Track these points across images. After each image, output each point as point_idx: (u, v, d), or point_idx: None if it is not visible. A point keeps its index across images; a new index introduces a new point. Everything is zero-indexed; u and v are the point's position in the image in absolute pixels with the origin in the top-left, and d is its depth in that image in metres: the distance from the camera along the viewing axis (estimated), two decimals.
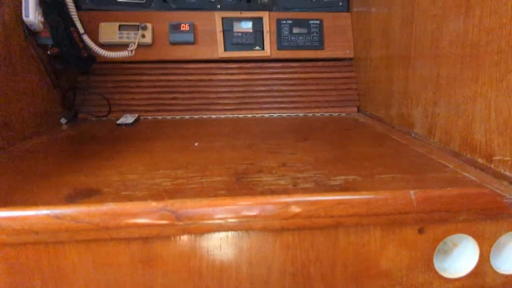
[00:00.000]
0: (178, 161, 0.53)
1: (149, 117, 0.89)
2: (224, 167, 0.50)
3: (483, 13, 0.47)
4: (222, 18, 0.95)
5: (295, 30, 0.97)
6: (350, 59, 0.99)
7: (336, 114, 0.94)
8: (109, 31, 0.90)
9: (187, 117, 0.90)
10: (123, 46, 0.88)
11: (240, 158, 0.54)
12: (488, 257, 0.39)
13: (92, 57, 0.83)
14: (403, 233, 0.37)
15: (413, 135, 0.66)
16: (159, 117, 0.89)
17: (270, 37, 0.96)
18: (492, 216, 0.37)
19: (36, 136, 0.70)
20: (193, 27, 0.93)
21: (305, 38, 0.97)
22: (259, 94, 0.95)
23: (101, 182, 0.45)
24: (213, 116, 0.91)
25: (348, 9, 0.99)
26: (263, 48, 0.96)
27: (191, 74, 0.94)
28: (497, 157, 0.46)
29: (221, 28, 0.94)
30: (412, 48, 0.67)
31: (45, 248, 0.34)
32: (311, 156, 0.55)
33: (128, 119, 0.83)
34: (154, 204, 0.33)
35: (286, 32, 0.96)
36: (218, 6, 0.97)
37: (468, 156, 0.51)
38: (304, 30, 0.97)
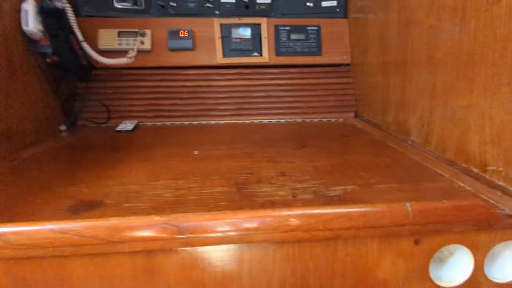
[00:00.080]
0: (179, 171, 0.54)
1: (148, 123, 0.90)
2: (224, 177, 0.51)
3: (478, 25, 0.48)
4: (221, 25, 0.95)
5: (293, 36, 0.97)
6: (348, 64, 1.00)
7: (334, 119, 0.95)
8: (108, 37, 0.90)
9: (186, 123, 0.91)
10: (122, 53, 0.89)
11: (240, 167, 0.55)
12: (483, 266, 0.40)
13: (92, 65, 0.84)
14: (400, 244, 0.38)
15: (409, 142, 0.68)
16: (158, 123, 0.90)
17: (268, 43, 0.96)
18: (486, 227, 0.38)
19: (37, 144, 0.70)
20: (191, 34, 0.93)
21: (303, 44, 0.98)
22: (257, 99, 0.96)
23: (103, 194, 0.45)
24: (212, 122, 0.91)
25: (345, 16, 1.00)
26: (261, 54, 0.96)
27: (190, 80, 0.95)
28: (491, 167, 0.47)
29: (220, 34, 0.95)
30: (409, 56, 0.68)
31: (50, 262, 0.34)
32: (310, 165, 0.56)
33: (128, 126, 0.83)
34: (157, 218, 0.34)
35: (284, 38, 0.97)
36: (217, 12, 0.97)
37: (463, 165, 0.52)
38: (302, 36, 0.98)
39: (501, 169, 0.45)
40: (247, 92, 0.96)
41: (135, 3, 0.94)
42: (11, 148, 0.63)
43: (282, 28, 0.97)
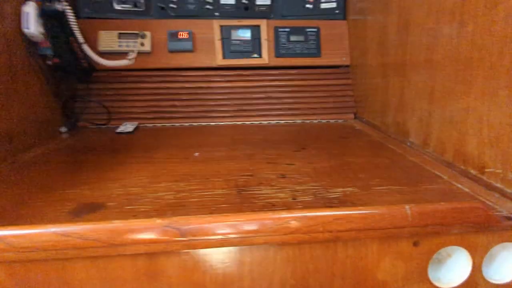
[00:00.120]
0: (179, 173, 0.54)
1: (149, 125, 0.90)
2: (225, 179, 0.52)
3: (475, 29, 0.49)
4: (221, 26, 0.96)
5: (293, 38, 0.98)
6: (347, 66, 1.01)
7: (333, 120, 0.95)
8: (108, 39, 0.90)
9: (186, 124, 0.91)
10: (123, 54, 0.89)
11: (240, 169, 0.56)
12: (481, 267, 0.41)
13: (92, 67, 0.84)
14: (399, 246, 0.38)
15: (408, 144, 0.68)
16: (158, 125, 0.90)
17: (268, 45, 0.97)
18: (484, 228, 0.39)
19: (37, 145, 0.70)
20: (191, 35, 0.94)
21: (303, 46, 0.98)
22: (257, 101, 0.96)
23: (105, 196, 0.46)
24: (212, 124, 0.92)
25: (344, 17, 1.01)
26: (261, 56, 0.97)
27: (190, 82, 0.95)
28: (489, 169, 0.47)
29: (220, 36, 0.96)
30: (408, 58, 0.69)
31: (53, 265, 0.35)
32: (309, 167, 0.56)
33: (128, 127, 0.84)
34: (159, 221, 0.34)
35: (284, 40, 0.98)
36: (216, 13, 0.98)
37: (462, 167, 0.53)
38: (301, 38, 0.98)
39: (499, 171, 0.46)
40: (247, 93, 0.96)
41: (135, 5, 0.94)
42: (12, 150, 0.63)
43: (282, 29, 0.98)
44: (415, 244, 0.39)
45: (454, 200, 0.44)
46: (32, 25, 0.66)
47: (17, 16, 0.67)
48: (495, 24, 0.45)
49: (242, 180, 0.51)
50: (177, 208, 0.42)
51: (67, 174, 0.55)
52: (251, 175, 0.53)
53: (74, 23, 0.76)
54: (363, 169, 0.56)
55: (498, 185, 0.46)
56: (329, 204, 0.43)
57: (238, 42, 0.96)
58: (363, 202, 0.43)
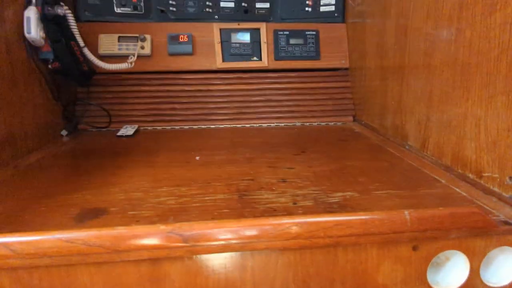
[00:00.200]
0: (181, 177, 0.55)
1: (149, 128, 0.90)
2: (226, 183, 0.52)
3: (473, 35, 0.50)
4: (220, 29, 0.96)
5: (292, 41, 0.99)
6: (346, 69, 1.01)
7: (332, 123, 0.96)
8: (108, 42, 0.91)
9: (186, 127, 0.92)
10: (123, 58, 0.90)
11: (241, 173, 0.56)
12: (478, 271, 0.41)
13: (92, 70, 0.84)
14: (398, 250, 0.39)
15: (407, 147, 0.69)
16: (159, 128, 0.91)
17: (267, 48, 0.97)
18: (482, 233, 0.39)
19: (39, 149, 0.71)
20: (191, 38, 0.94)
21: (302, 49, 0.99)
22: (257, 104, 0.96)
23: (107, 201, 0.46)
24: (212, 126, 0.92)
25: (343, 20, 1.01)
26: (260, 59, 0.97)
27: (190, 85, 0.96)
28: (487, 174, 0.48)
29: (219, 39, 0.96)
30: (406, 62, 0.69)
31: (57, 271, 0.35)
32: (310, 171, 0.57)
33: (128, 130, 0.84)
34: (162, 227, 0.35)
35: (283, 43, 0.98)
36: (216, 16, 0.98)
37: (460, 171, 0.53)
38: (300, 41, 0.99)
39: (496, 175, 0.46)
40: (246, 96, 0.97)
41: (135, 8, 0.94)
42: (14, 154, 0.64)
43: (281, 32, 0.98)
44: (414, 248, 0.39)
45: (452, 204, 0.45)
46: (33, 30, 0.67)
47: (18, 21, 0.67)
48: (492, 30, 0.46)
49: (243, 184, 0.52)
50: (179, 213, 0.43)
51: (69, 179, 0.55)
52: (251, 180, 0.53)
53: (75, 27, 0.77)
54: (362, 173, 0.56)
55: (496, 189, 0.46)
56: (330, 209, 0.43)
57: (237, 45, 0.97)
58: (362, 207, 0.44)
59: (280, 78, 0.99)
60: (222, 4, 0.98)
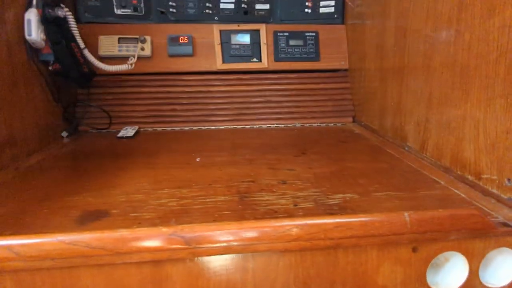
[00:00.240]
0: (182, 179, 0.55)
1: (149, 129, 0.91)
2: (227, 185, 0.52)
3: (472, 38, 0.50)
4: (220, 31, 0.97)
5: (292, 42, 0.99)
6: (345, 70, 1.02)
7: (332, 124, 0.96)
8: (108, 44, 0.91)
9: (186, 128, 0.92)
10: (123, 59, 0.90)
11: (241, 175, 0.56)
12: (477, 272, 0.42)
13: (93, 72, 0.84)
14: (398, 252, 0.39)
15: (406, 148, 0.69)
16: (159, 129, 0.91)
17: (267, 49, 0.98)
18: (480, 234, 0.40)
19: (39, 151, 0.71)
20: (191, 40, 0.94)
21: (301, 50, 0.99)
22: (257, 105, 0.97)
23: (109, 204, 0.46)
24: (212, 128, 0.93)
25: (343, 22, 1.02)
26: (260, 60, 0.98)
27: (190, 86, 0.96)
28: (485, 175, 0.48)
29: (219, 41, 0.96)
30: (405, 64, 0.70)
31: (59, 273, 0.35)
32: (310, 173, 0.57)
33: (129, 131, 0.84)
34: (164, 229, 0.35)
35: (283, 44, 0.99)
36: (216, 18, 0.99)
37: (459, 172, 0.54)
38: (300, 42, 0.99)
39: (494, 177, 0.47)
40: (246, 97, 0.97)
41: (135, 9, 0.94)
42: (14, 156, 0.64)
43: (281, 34, 0.99)
44: (414, 250, 0.39)
45: (451, 206, 0.45)
46: (34, 32, 0.67)
47: (19, 23, 0.67)
48: (491, 33, 0.46)
49: (244, 186, 0.52)
50: (181, 215, 0.43)
51: (70, 181, 0.55)
52: (252, 181, 0.54)
53: (75, 29, 0.77)
54: (362, 175, 0.56)
55: (494, 191, 0.47)
56: (330, 210, 0.44)
57: (237, 46, 0.97)
58: (362, 208, 0.44)
59: (280, 79, 0.99)
60: (222, 5, 0.98)
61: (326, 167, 0.60)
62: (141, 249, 0.35)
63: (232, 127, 0.93)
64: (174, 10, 0.96)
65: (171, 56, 0.94)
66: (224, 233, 0.36)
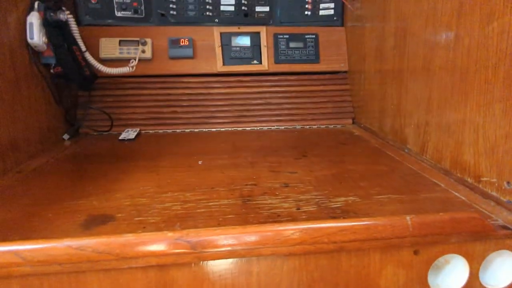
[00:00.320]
0: (185, 182, 0.55)
1: (150, 131, 0.91)
2: (229, 188, 0.53)
3: (471, 43, 0.51)
4: (221, 33, 0.97)
5: (292, 44, 0.99)
6: (345, 72, 1.02)
7: (332, 126, 0.97)
8: (109, 46, 0.91)
9: (187, 130, 0.92)
10: (124, 61, 0.90)
11: (244, 178, 0.57)
12: (478, 274, 0.42)
13: (94, 74, 0.85)
14: (400, 255, 0.40)
15: (406, 150, 0.70)
16: (160, 131, 0.91)
17: (267, 51, 0.98)
18: (481, 237, 0.41)
19: (41, 154, 0.71)
20: (192, 42, 0.95)
21: (301, 52, 1.00)
22: (257, 107, 0.97)
23: (113, 208, 0.47)
24: (213, 130, 0.93)
25: (342, 24, 1.02)
26: (260, 62, 0.98)
27: (191, 88, 0.96)
28: (485, 178, 0.49)
29: (220, 43, 0.97)
30: (405, 67, 0.70)
31: (67, 277, 0.36)
32: (311, 175, 0.58)
33: (130, 134, 0.84)
34: (170, 234, 0.36)
35: (283, 46, 0.99)
36: (216, 20, 0.99)
37: (458, 175, 0.54)
38: (300, 44, 1.00)
39: (494, 180, 0.48)
40: (247, 99, 0.97)
41: (135, 12, 0.95)
42: (17, 159, 0.64)
43: (281, 36, 0.99)
44: (415, 252, 0.40)
45: (452, 209, 0.46)
46: (36, 35, 0.67)
47: (21, 26, 0.67)
48: (490, 39, 0.47)
49: (247, 189, 0.52)
50: (185, 219, 0.43)
51: (74, 184, 0.56)
52: (255, 184, 0.54)
53: (77, 32, 0.77)
54: (363, 177, 0.57)
55: (494, 193, 0.47)
56: (333, 214, 0.44)
57: (238, 48, 0.98)
58: (364, 212, 0.45)
59: (280, 81, 1.00)
60: (222, 7, 0.99)
61: (327, 169, 0.61)
62: (147, 254, 0.36)
63: (232, 129, 0.94)
64: (175, 13, 0.97)
65: (172, 58, 0.95)
66: (229, 238, 0.36)
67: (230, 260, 0.38)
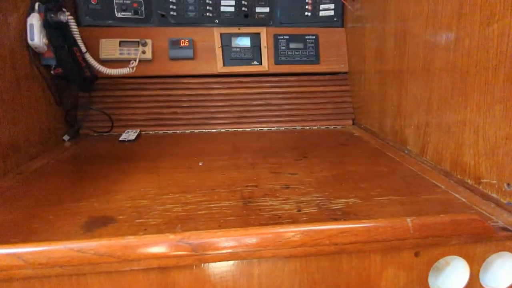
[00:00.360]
0: (186, 184, 0.55)
1: (150, 132, 0.91)
2: (230, 190, 0.53)
3: (471, 45, 0.51)
4: (221, 34, 0.97)
5: (292, 45, 0.99)
6: (345, 73, 1.02)
7: (332, 127, 0.97)
8: (109, 47, 0.91)
9: (187, 131, 0.92)
10: (124, 62, 0.90)
11: (244, 179, 0.57)
12: (478, 275, 0.43)
13: (94, 75, 0.85)
14: (401, 256, 0.40)
15: (406, 151, 0.70)
16: (160, 132, 0.91)
17: (267, 52, 0.98)
18: (481, 239, 0.41)
19: (42, 155, 0.71)
20: (192, 43, 0.95)
21: (302, 53, 1.00)
22: (257, 108, 0.97)
23: (114, 209, 0.47)
24: (213, 131, 0.93)
25: (342, 25, 1.02)
26: (261, 63, 0.98)
27: (191, 89, 0.96)
28: (485, 180, 0.49)
29: (220, 44, 0.97)
30: (405, 68, 0.71)
31: (68, 280, 0.36)
32: (312, 177, 0.58)
33: (130, 135, 0.84)
34: (172, 236, 0.36)
35: (283, 47, 0.99)
36: (216, 21, 0.99)
37: (459, 176, 0.55)
38: (300, 45, 1.00)
39: (494, 182, 0.48)
40: (247, 100, 0.97)
41: (135, 13, 0.95)
42: (18, 161, 0.64)
43: (281, 37, 0.99)
44: (416, 254, 0.40)
45: (452, 210, 0.46)
46: (37, 37, 0.67)
47: (21, 27, 0.67)
48: (490, 41, 0.47)
49: (247, 191, 0.52)
50: (186, 221, 0.43)
51: (75, 185, 0.56)
52: (255, 186, 0.54)
53: (77, 33, 0.77)
54: (363, 179, 0.57)
55: (494, 195, 0.48)
56: (333, 215, 0.44)
57: (238, 49, 0.98)
58: (365, 213, 0.45)
59: (280, 82, 1.00)
60: (223, 8, 0.99)
61: (327, 171, 0.61)
62: (148, 256, 0.36)
63: (232, 130, 0.94)
64: (175, 13, 0.97)
65: (172, 59, 0.95)
66: (230, 240, 0.36)
67: (231, 262, 0.38)
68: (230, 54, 0.97)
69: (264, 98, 0.98)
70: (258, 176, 0.58)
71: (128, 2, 0.94)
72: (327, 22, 1.02)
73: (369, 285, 0.40)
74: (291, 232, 0.37)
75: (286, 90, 0.99)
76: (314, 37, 1.00)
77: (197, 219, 0.44)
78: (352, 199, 0.49)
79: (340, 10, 1.01)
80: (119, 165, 0.66)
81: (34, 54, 0.71)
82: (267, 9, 1.00)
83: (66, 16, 0.72)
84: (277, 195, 0.51)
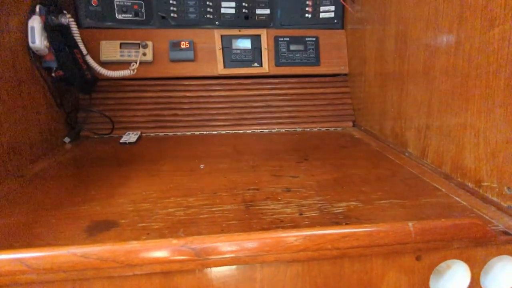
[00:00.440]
0: (187, 187, 0.56)
1: (151, 134, 0.91)
2: (232, 193, 0.53)
3: (472, 49, 0.51)
4: (221, 36, 0.97)
5: (292, 47, 1.00)
6: (345, 74, 1.03)
7: (332, 128, 0.97)
8: (110, 49, 0.91)
9: (188, 133, 0.92)
10: (124, 64, 0.90)
11: (246, 182, 0.57)
12: (479, 279, 0.43)
13: (95, 78, 0.85)
14: (402, 260, 0.40)
15: (407, 154, 0.70)
16: (161, 134, 0.91)
17: (268, 54, 0.98)
18: (482, 243, 0.41)
19: (43, 157, 0.71)
20: (193, 45, 0.95)
21: (302, 55, 1.00)
22: (258, 109, 0.97)
23: (117, 213, 0.47)
24: (214, 132, 0.93)
25: (343, 27, 1.03)
26: (261, 65, 0.98)
27: (192, 91, 0.96)
28: (486, 183, 0.50)
29: (221, 46, 0.97)
30: (405, 71, 0.71)
31: (72, 285, 0.36)
32: (313, 180, 0.58)
33: (131, 137, 0.84)
34: (175, 241, 0.36)
35: (284, 49, 0.99)
36: (217, 23, 0.99)
37: (459, 179, 0.55)
38: (300, 47, 1.00)
39: (494, 185, 0.48)
40: (247, 102, 0.98)
41: (136, 15, 0.95)
42: (19, 163, 0.64)
43: (282, 39, 0.99)
44: (418, 258, 0.40)
45: (453, 214, 0.46)
46: (38, 39, 0.67)
47: (22, 30, 0.67)
48: (491, 45, 0.47)
49: (249, 194, 0.53)
50: (189, 225, 0.44)
51: (76, 189, 0.56)
52: (257, 189, 0.54)
53: (78, 35, 0.77)
54: (364, 182, 0.57)
55: (494, 199, 0.48)
56: (335, 220, 0.45)
57: (238, 51, 0.98)
58: (367, 217, 0.45)
59: (280, 84, 1.00)
60: (223, 10, 0.99)
61: (328, 173, 0.61)
62: (151, 261, 0.36)
63: (233, 131, 0.94)
64: (175, 15, 0.97)
65: (173, 61, 0.95)
66: (233, 244, 0.37)
67: (234, 266, 0.38)
68: (230, 56, 0.97)
69: (265, 100, 0.98)
70: (260, 179, 0.59)
71: (129, 4, 0.94)
72: (327, 24, 1.02)
73: None
74: (293, 236, 0.37)
75: (287, 92, 0.99)
76: (314, 39, 1.00)
77: (199, 223, 0.44)
78: (353, 203, 0.49)
79: (341, 12, 1.02)
80: (120, 168, 0.66)
81: (35, 56, 0.71)
82: (267, 11, 1.00)
83: (67, 19, 0.72)
84: (279, 198, 0.51)
